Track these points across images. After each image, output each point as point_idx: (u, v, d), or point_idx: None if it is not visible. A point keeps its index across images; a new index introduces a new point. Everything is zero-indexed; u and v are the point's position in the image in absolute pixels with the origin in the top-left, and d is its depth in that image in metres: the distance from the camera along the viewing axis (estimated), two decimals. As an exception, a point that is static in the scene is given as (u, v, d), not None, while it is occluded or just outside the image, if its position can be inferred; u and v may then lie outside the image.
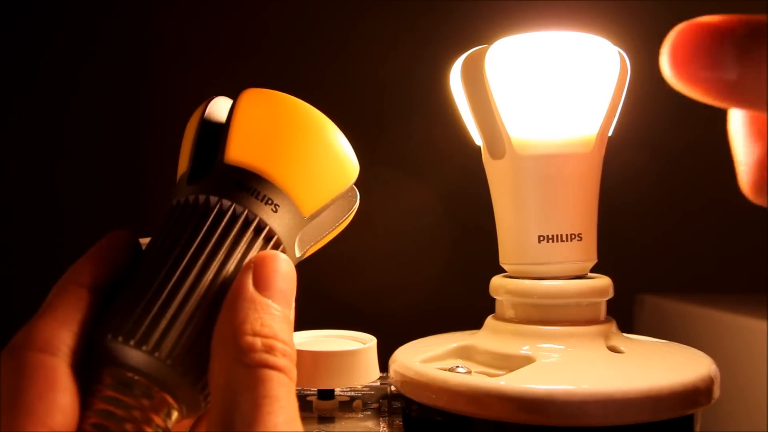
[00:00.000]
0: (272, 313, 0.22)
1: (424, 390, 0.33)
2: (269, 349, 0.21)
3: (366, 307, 0.62)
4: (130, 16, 0.74)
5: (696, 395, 0.31)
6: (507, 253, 0.36)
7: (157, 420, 0.22)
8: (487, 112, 0.35)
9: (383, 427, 0.36)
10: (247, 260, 0.23)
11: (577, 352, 0.33)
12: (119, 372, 0.22)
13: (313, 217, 0.26)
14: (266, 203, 0.24)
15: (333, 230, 0.28)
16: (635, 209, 0.69)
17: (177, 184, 0.26)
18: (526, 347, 0.34)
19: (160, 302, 0.22)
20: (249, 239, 0.24)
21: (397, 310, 0.65)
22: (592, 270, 0.36)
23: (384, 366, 0.38)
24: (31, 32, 0.74)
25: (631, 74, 0.35)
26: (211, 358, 0.22)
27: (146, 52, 0.74)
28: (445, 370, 0.34)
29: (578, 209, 0.35)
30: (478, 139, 0.37)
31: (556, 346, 0.33)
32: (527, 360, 0.33)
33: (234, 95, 0.26)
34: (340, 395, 0.40)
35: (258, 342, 0.21)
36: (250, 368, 0.21)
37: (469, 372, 0.34)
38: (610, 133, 0.35)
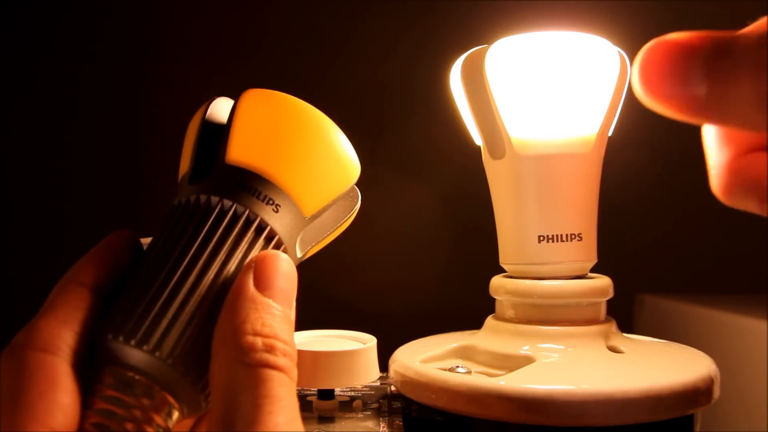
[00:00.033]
0: (273, 313, 0.22)
1: (424, 390, 0.33)
2: (270, 349, 0.21)
3: (366, 307, 0.62)
4: (130, 16, 0.74)
5: (696, 395, 0.31)
6: (507, 253, 0.36)
7: (158, 420, 0.22)
8: (487, 112, 0.35)
9: (383, 427, 0.36)
10: (248, 260, 0.23)
11: (577, 352, 0.33)
12: (120, 371, 0.22)
13: (315, 217, 0.26)
14: (267, 203, 0.24)
15: (334, 231, 0.28)
16: (635, 209, 0.69)
17: (178, 185, 0.26)
18: (526, 347, 0.34)
19: (161, 302, 0.22)
20: (250, 239, 0.24)
21: (397, 310, 0.65)
22: (592, 270, 0.36)
23: (384, 366, 0.38)
24: (31, 32, 0.74)
25: (631, 74, 0.35)
26: (212, 357, 0.22)
27: (146, 52, 0.74)
28: (445, 370, 0.34)
29: (578, 209, 0.35)
30: (478, 139, 0.37)
31: (556, 346, 0.33)
32: (527, 360, 0.33)
33: (235, 95, 0.26)
34: (340, 395, 0.40)
35: (259, 342, 0.21)
36: (250, 368, 0.21)
37: (469, 372, 0.34)
38: (610, 133, 0.35)
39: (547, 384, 0.30)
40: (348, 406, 0.39)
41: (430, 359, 0.36)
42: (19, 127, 0.74)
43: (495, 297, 0.37)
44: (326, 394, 0.38)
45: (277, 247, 0.25)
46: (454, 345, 0.37)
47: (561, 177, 0.34)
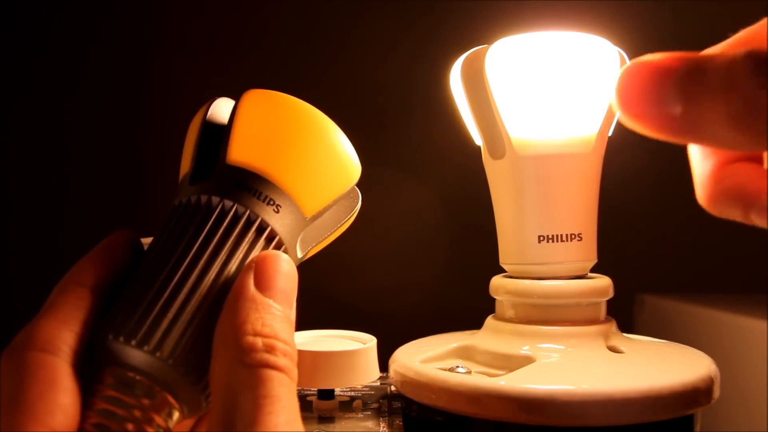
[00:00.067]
0: (273, 313, 0.22)
1: (424, 390, 0.33)
2: (270, 349, 0.21)
3: (366, 307, 0.62)
4: (130, 16, 0.74)
5: (696, 395, 0.31)
6: (507, 253, 0.36)
7: (159, 420, 0.22)
8: (487, 112, 0.35)
9: (383, 427, 0.36)
10: (248, 261, 0.23)
11: (577, 352, 0.33)
12: (120, 372, 0.22)
13: (315, 217, 0.26)
14: (268, 204, 0.24)
15: (335, 231, 0.28)
16: (635, 209, 0.69)
17: (179, 185, 0.26)
18: (526, 347, 0.34)
19: (161, 302, 0.22)
20: (251, 240, 0.24)
21: (397, 310, 0.65)
22: (592, 270, 0.36)
23: (384, 366, 0.38)
24: (31, 32, 0.74)
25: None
26: (212, 357, 0.22)
27: (146, 52, 0.74)
28: (445, 370, 0.34)
29: (578, 209, 0.35)
30: (478, 139, 0.37)
31: (556, 346, 0.33)
32: (527, 360, 0.33)
33: (235, 96, 0.26)
34: (340, 395, 0.40)
35: (259, 342, 0.21)
36: (251, 368, 0.21)
37: (469, 372, 0.34)
38: (610, 133, 0.35)
39: (547, 384, 0.30)
40: (348, 406, 0.39)
41: (430, 359, 0.36)
42: (19, 127, 0.74)
43: (495, 297, 0.37)
44: (326, 394, 0.38)
45: (278, 247, 0.25)
46: (454, 345, 0.37)
47: (561, 177, 0.34)
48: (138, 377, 0.22)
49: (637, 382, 0.30)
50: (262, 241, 0.24)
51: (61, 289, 0.23)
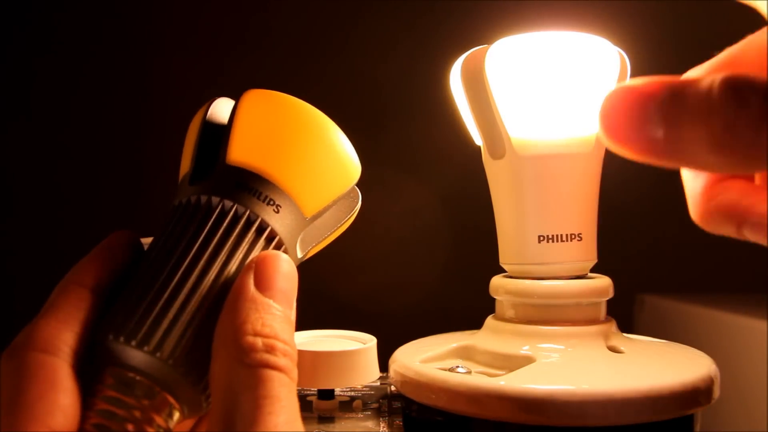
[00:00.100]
0: (273, 313, 0.22)
1: (424, 390, 0.33)
2: (270, 349, 0.21)
3: (366, 307, 0.62)
4: (130, 16, 0.74)
5: (696, 395, 0.31)
6: (507, 253, 0.36)
7: (159, 420, 0.22)
8: (487, 112, 0.35)
9: (383, 427, 0.36)
10: (248, 261, 0.23)
11: (577, 352, 0.33)
12: (121, 372, 0.22)
13: (315, 217, 0.26)
14: (268, 204, 0.24)
15: (335, 231, 0.28)
16: (635, 209, 0.69)
17: (179, 185, 0.26)
18: (526, 347, 0.34)
19: (161, 303, 0.22)
20: (251, 240, 0.24)
21: (397, 310, 0.65)
22: (592, 270, 0.36)
23: (384, 366, 0.38)
24: (31, 32, 0.74)
25: (631, 74, 0.35)
26: (213, 358, 0.22)
27: (146, 52, 0.74)
28: (445, 370, 0.34)
29: (578, 209, 0.35)
30: (478, 139, 0.37)
31: (556, 346, 0.33)
32: (527, 360, 0.33)
33: (235, 96, 0.26)
34: (340, 395, 0.40)
35: (259, 342, 0.21)
36: (251, 368, 0.21)
37: (469, 372, 0.34)
38: (610, 134, 0.35)
39: (547, 384, 0.30)
40: (348, 406, 0.39)
41: (430, 359, 0.36)
42: (19, 127, 0.74)
43: (495, 297, 0.37)
44: (326, 394, 0.38)
45: (278, 247, 0.25)
46: (454, 345, 0.37)
47: (561, 177, 0.34)
48: (138, 377, 0.22)
49: (637, 382, 0.30)
50: (262, 241, 0.24)
51: (61, 289, 0.23)
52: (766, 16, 0.21)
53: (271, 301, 0.23)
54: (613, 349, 0.34)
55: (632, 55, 0.35)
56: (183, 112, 0.30)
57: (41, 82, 0.74)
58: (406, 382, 0.34)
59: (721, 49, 0.24)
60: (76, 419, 0.21)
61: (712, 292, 0.62)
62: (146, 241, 0.26)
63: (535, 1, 0.64)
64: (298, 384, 0.23)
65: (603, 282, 0.35)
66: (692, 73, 0.24)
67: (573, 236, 0.34)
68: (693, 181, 0.22)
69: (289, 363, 0.22)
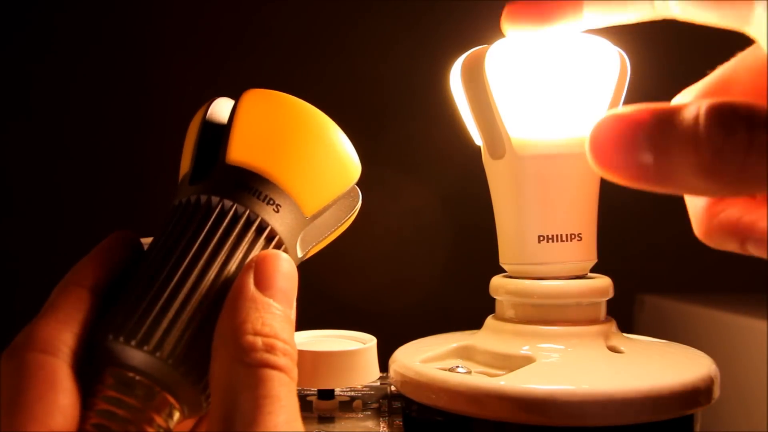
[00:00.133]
0: (273, 313, 0.22)
1: (424, 390, 0.33)
2: (270, 349, 0.21)
3: (366, 307, 0.62)
4: (130, 16, 0.74)
5: (696, 395, 0.31)
6: (507, 253, 0.36)
7: (159, 420, 0.22)
8: (487, 112, 0.35)
9: (383, 427, 0.36)
10: (248, 260, 0.23)
11: (577, 352, 0.33)
12: (121, 372, 0.22)
13: (315, 217, 0.26)
14: (268, 203, 0.24)
15: (335, 230, 0.28)
16: (635, 209, 0.69)
17: (179, 185, 0.26)
18: (526, 347, 0.34)
19: (161, 302, 0.22)
20: (251, 239, 0.24)
21: (397, 310, 0.65)
22: (592, 270, 0.36)
23: (384, 366, 0.38)
24: (31, 32, 0.74)
25: (631, 74, 0.35)
26: (212, 357, 0.22)
27: (146, 52, 0.74)
28: (445, 370, 0.34)
29: (578, 209, 0.35)
30: (478, 139, 0.37)
31: (556, 346, 0.33)
32: (527, 360, 0.33)
33: (235, 95, 0.26)
34: (340, 395, 0.40)
35: (259, 341, 0.21)
36: (250, 368, 0.21)
37: (469, 372, 0.34)
38: (610, 133, 0.35)
39: (547, 384, 0.30)
40: (348, 406, 0.39)
41: (430, 359, 0.36)
42: (18, 127, 0.74)
43: (495, 297, 0.37)
44: (326, 394, 0.38)
45: (278, 247, 0.25)
46: (454, 345, 0.37)
47: (561, 177, 0.34)
48: (138, 377, 0.22)
49: (637, 382, 0.30)
50: (261, 241, 0.24)
51: (61, 289, 0.23)
52: (757, 40, 0.21)
53: (271, 301, 0.22)
54: (613, 349, 0.34)
55: (632, 55, 0.35)
56: (183, 112, 0.30)
57: (41, 82, 0.74)
58: (406, 382, 0.34)
59: (720, 49, 0.24)
60: (76, 419, 0.21)
61: (712, 292, 0.62)
62: (146, 241, 0.26)
63: (535, 1, 0.64)
64: (298, 384, 0.23)
65: (603, 282, 0.35)
66: (681, 98, 0.24)
67: (573, 236, 0.34)
68: (695, 200, 0.23)
69: (289, 362, 0.22)
